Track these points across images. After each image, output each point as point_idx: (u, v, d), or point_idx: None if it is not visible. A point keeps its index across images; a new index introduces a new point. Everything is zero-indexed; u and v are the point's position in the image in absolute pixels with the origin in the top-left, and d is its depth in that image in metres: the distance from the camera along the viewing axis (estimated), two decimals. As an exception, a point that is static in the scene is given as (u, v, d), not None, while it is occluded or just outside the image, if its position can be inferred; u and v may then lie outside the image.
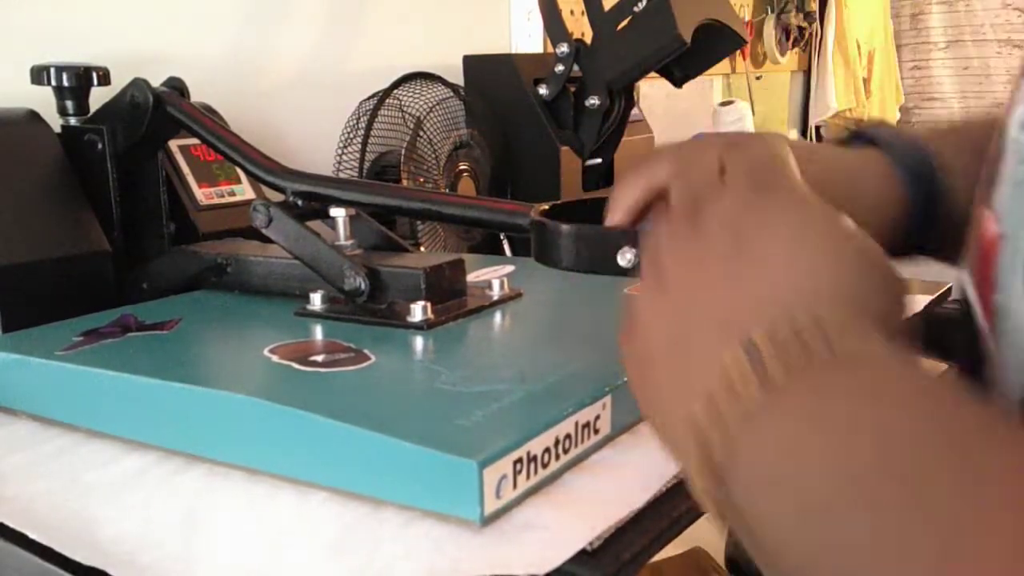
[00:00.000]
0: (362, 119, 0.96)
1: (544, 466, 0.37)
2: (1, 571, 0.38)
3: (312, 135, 1.02)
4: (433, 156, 0.96)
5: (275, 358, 0.47)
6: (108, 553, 0.36)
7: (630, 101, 1.07)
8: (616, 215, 0.40)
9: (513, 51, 1.30)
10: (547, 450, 0.38)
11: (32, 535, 0.37)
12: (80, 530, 0.38)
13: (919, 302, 0.65)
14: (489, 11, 1.26)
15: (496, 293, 0.57)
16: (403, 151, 0.94)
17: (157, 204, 0.68)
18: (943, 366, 0.64)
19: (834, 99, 2.15)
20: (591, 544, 0.33)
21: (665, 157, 0.39)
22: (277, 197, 0.59)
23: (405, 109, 0.97)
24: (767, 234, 0.31)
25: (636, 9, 0.98)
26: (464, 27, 1.21)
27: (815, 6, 2.10)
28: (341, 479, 0.38)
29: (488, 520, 0.35)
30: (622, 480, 0.38)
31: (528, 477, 0.37)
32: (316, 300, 0.55)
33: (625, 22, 1.00)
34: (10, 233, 0.60)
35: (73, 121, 0.69)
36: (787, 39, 2.04)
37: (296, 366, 0.45)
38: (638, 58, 0.98)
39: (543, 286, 0.61)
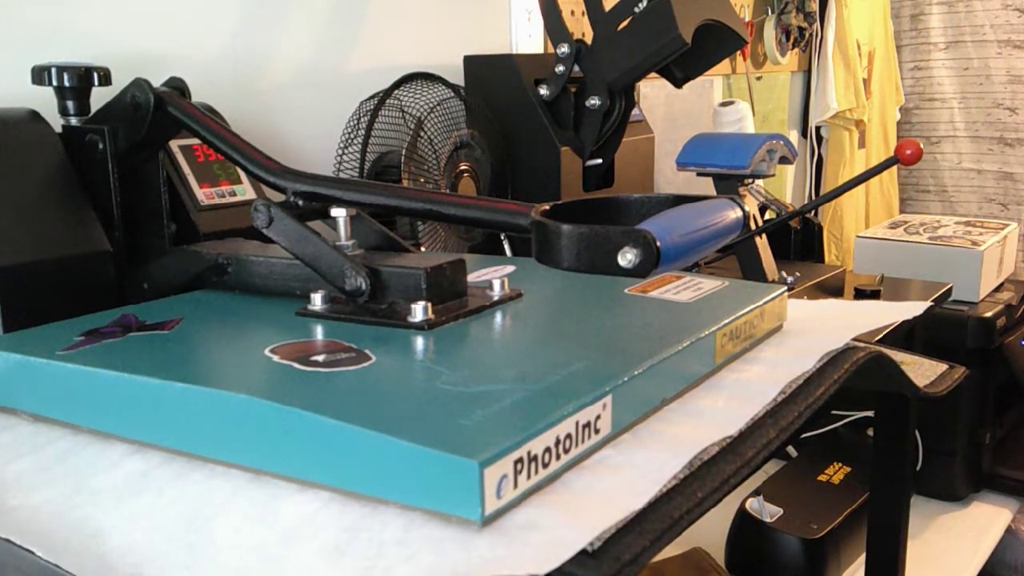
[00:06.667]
0: (363, 119, 0.96)
1: (545, 466, 0.37)
2: (2, 570, 0.38)
3: (313, 135, 1.02)
4: (434, 156, 0.96)
5: (276, 358, 0.47)
6: (115, 566, 0.36)
7: (630, 101, 1.07)
8: None
9: (513, 51, 1.30)
10: (547, 450, 0.38)
11: (39, 552, 0.37)
12: (86, 541, 0.37)
13: (921, 304, 0.65)
14: (489, 11, 1.26)
15: (496, 293, 0.57)
16: (404, 151, 0.94)
17: (158, 204, 0.68)
18: (943, 366, 0.64)
19: (834, 99, 2.15)
20: (591, 544, 0.33)
21: None
22: (278, 197, 0.59)
23: (406, 109, 0.97)
24: None
25: (636, 9, 0.98)
26: (464, 27, 1.22)
27: (815, 6, 2.10)
28: (342, 479, 0.38)
29: (488, 520, 0.35)
30: (622, 480, 0.38)
31: (529, 477, 0.37)
32: (317, 300, 0.56)
33: (625, 22, 1.00)
34: (11, 233, 0.60)
35: (74, 121, 0.69)
36: (787, 39, 2.04)
37: (297, 366, 0.45)
38: (638, 58, 0.98)
39: (543, 286, 0.61)
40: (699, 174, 1.04)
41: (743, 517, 0.99)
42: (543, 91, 1.06)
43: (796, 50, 2.10)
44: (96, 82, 0.70)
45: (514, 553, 0.33)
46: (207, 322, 0.55)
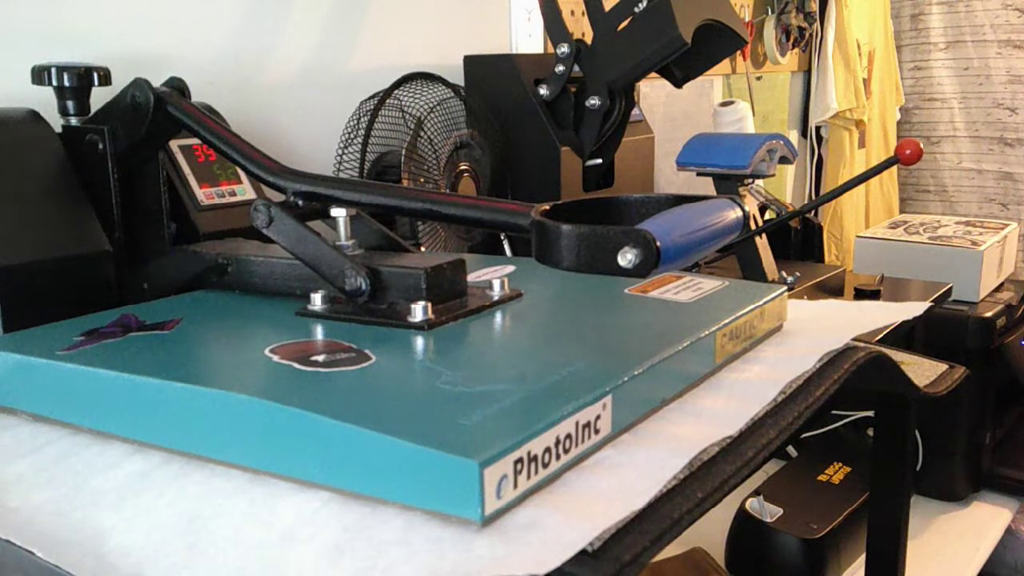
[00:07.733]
0: (363, 119, 0.96)
1: (544, 466, 0.37)
2: (2, 570, 0.38)
3: (313, 135, 1.02)
4: (434, 156, 0.96)
5: (276, 358, 0.47)
6: (115, 566, 0.36)
7: (630, 101, 1.07)
8: None
9: (513, 51, 1.30)
10: (547, 450, 0.38)
11: (39, 552, 0.37)
12: (87, 542, 0.37)
13: (921, 304, 0.65)
14: (489, 11, 1.26)
15: (496, 293, 0.57)
16: (404, 151, 0.94)
17: (158, 204, 0.68)
18: (943, 366, 0.64)
19: (834, 99, 2.15)
20: (591, 544, 0.33)
21: None
22: (278, 197, 0.59)
23: (405, 109, 0.97)
24: None
25: (636, 9, 0.98)
26: (464, 27, 1.22)
27: (815, 6, 2.10)
28: (342, 479, 0.38)
29: (488, 520, 0.35)
30: (622, 480, 0.38)
31: (528, 477, 0.37)
32: (317, 300, 0.56)
33: (625, 22, 1.00)
34: (11, 233, 0.60)
35: (74, 121, 0.69)
36: (787, 39, 2.04)
37: (297, 366, 0.45)
38: (638, 58, 0.98)
39: (543, 286, 0.61)
40: (699, 174, 1.04)
41: (743, 517, 0.99)
42: (543, 91, 1.06)
43: (796, 50, 2.10)
44: (96, 82, 0.70)
45: (514, 553, 0.33)
46: (207, 322, 0.55)
